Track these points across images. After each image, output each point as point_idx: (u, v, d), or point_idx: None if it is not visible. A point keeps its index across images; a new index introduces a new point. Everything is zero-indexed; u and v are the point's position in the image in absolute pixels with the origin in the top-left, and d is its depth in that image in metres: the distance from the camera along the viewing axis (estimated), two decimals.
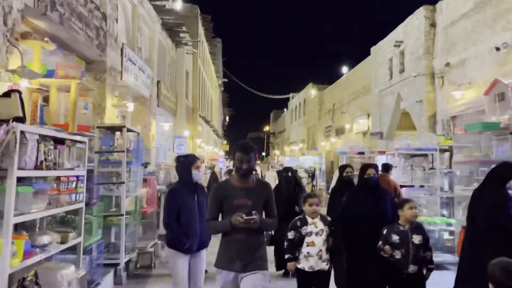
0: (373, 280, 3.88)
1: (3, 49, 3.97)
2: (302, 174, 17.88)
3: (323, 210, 4.31)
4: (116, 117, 7.80)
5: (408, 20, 13.95)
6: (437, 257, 6.35)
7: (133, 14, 9.66)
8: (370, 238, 3.87)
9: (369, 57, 18.54)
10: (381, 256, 3.80)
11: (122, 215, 5.65)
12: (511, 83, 7.37)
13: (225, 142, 47.93)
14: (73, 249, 4.13)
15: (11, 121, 3.03)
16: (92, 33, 6.17)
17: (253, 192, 3.13)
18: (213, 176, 12.66)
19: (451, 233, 7.35)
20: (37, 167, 3.29)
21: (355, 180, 5.80)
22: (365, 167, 4.25)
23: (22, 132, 3.10)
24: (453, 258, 6.81)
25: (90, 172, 4.98)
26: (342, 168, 5.95)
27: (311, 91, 30.36)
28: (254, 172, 3.74)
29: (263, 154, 61.43)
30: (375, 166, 4.27)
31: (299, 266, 3.82)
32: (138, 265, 6.31)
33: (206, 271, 4.18)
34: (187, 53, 16.53)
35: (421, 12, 12.84)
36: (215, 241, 3.26)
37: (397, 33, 14.97)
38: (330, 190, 10.06)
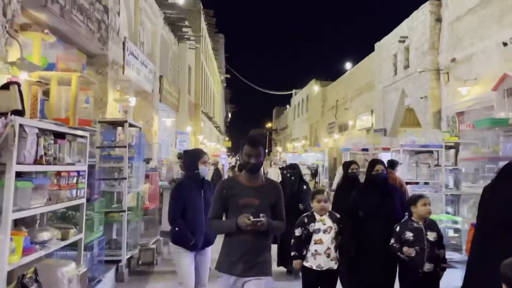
0: (383, 279, 3.79)
1: (2, 41, 3.88)
2: (304, 171, 17.76)
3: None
4: (118, 111, 7.72)
5: (413, 15, 13.81)
6: None
7: (135, 8, 9.55)
8: (379, 235, 3.78)
9: (373, 53, 18.40)
10: (392, 254, 3.69)
11: (124, 211, 5.58)
12: None
13: (227, 138, 47.86)
14: (74, 246, 4.06)
15: (9, 114, 2.94)
16: (93, 26, 6.07)
17: (261, 191, 2.90)
18: (216, 173, 12.59)
19: (456, 230, 7.26)
20: (37, 161, 3.21)
21: (360, 177, 5.75)
22: (373, 163, 4.15)
23: (21, 126, 3.01)
24: (459, 256, 6.72)
25: (91, 167, 4.91)
26: (347, 165, 5.85)
27: (314, 87, 30.23)
28: None
29: (266, 150, 61.37)
30: (383, 162, 4.17)
31: (306, 264, 3.71)
32: (140, 262, 6.23)
33: (209, 268, 4.09)
34: (189, 48, 16.42)
35: (426, 7, 12.70)
36: (220, 239, 3.09)
37: (401, 29, 14.83)
38: (334, 187, 9.96)
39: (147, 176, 6.73)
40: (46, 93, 4.54)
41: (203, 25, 20.91)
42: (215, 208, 2.96)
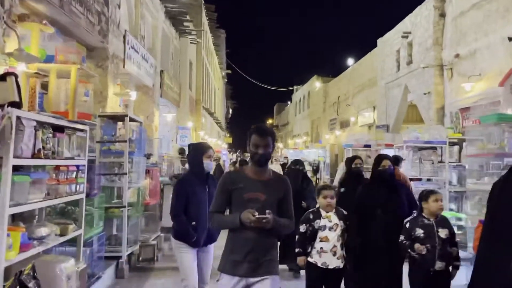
0: (388, 278, 3.70)
1: None
2: (306, 167, 17.69)
3: None
4: (118, 106, 7.63)
5: (416, 10, 13.70)
6: None
7: (136, 1, 9.44)
8: (385, 232, 3.68)
9: (375, 49, 18.29)
10: (400, 252, 3.59)
11: (124, 206, 5.52)
12: None
13: (228, 135, 47.80)
14: (73, 242, 4.00)
15: (6, 105, 2.85)
16: (93, 18, 5.96)
17: (269, 186, 2.70)
18: (218, 168, 12.53)
19: (460, 227, 7.18)
20: (35, 155, 3.12)
21: (364, 173, 5.66)
22: (379, 158, 4.05)
23: (18, 118, 2.93)
24: (464, 254, 6.63)
25: (91, 162, 4.85)
26: (351, 160, 5.77)
27: (316, 83, 30.12)
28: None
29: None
30: (390, 158, 4.07)
31: (311, 260, 3.61)
32: (140, 258, 6.20)
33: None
34: (191, 42, 16.30)
35: (430, 2, 12.58)
36: (223, 235, 2.96)
37: (405, 24, 14.71)
38: (335, 183, 9.89)
39: (147, 172, 6.67)
40: (45, 87, 4.44)
41: (204, 20, 20.77)
42: (217, 202, 2.78)
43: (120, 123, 5.79)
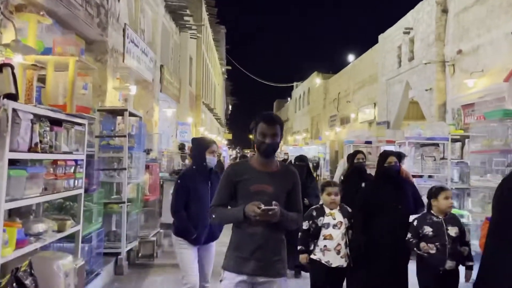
0: (393, 278, 3.61)
1: None
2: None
3: None
4: (117, 100, 7.54)
5: (418, 6, 13.61)
6: None
7: None
8: (392, 230, 3.59)
9: (376, 45, 18.19)
10: (407, 250, 3.51)
11: (124, 202, 5.46)
12: None
13: (227, 131, 47.71)
14: (71, 238, 3.93)
15: (2, 97, 2.77)
16: (92, 10, 5.86)
17: (276, 177, 2.53)
18: (219, 164, 12.45)
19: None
20: (31, 149, 3.04)
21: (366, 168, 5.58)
22: (385, 154, 3.96)
23: (14, 111, 2.84)
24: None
25: (90, 157, 4.78)
26: (353, 155, 5.71)
27: (316, 80, 30.03)
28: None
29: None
30: (396, 154, 3.98)
31: (314, 257, 3.52)
32: (139, 255, 6.14)
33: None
34: (191, 37, 16.18)
35: None
36: (226, 232, 2.85)
37: (406, 20, 14.61)
38: (337, 180, 9.82)
39: (147, 167, 6.59)
40: (43, 81, 4.35)
41: (204, 14, 20.64)
42: (219, 195, 2.60)
43: (119, 118, 5.73)
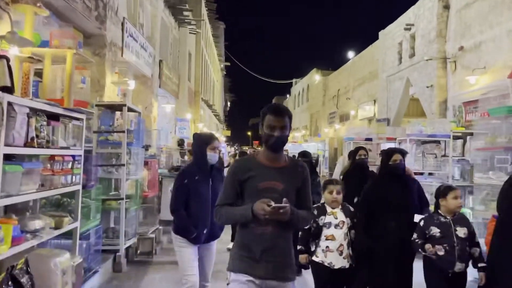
0: (397, 280, 3.52)
1: None
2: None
3: None
4: (116, 95, 7.44)
5: (420, 2, 13.53)
6: None
7: None
8: (397, 230, 3.51)
9: (376, 42, 18.10)
10: (412, 251, 3.42)
11: (122, 199, 5.40)
12: None
13: (226, 128, 47.65)
14: (69, 235, 3.85)
15: None
16: (90, 3, 5.76)
17: (285, 173, 2.38)
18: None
19: None
20: (27, 144, 2.95)
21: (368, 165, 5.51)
22: (390, 152, 3.85)
23: (9, 104, 2.75)
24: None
25: (88, 152, 4.70)
26: (355, 151, 5.65)
27: (315, 76, 29.92)
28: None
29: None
30: (401, 151, 3.88)
31: (316, 259, 3.41)
32: (138, 252, 6.09)
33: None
34: (190, 32, 16.06)
35: None
36: (227, 230, 2.76)
37: (407, 16, 14.52)
38: (336, 177, 9.75)
39: (146, 163, 6.52)
40: (40, 76, 4.26)
41: (204, 10, 20.50)
42: (225, 194, 2.44)
43: (118, 113, 5.64)
